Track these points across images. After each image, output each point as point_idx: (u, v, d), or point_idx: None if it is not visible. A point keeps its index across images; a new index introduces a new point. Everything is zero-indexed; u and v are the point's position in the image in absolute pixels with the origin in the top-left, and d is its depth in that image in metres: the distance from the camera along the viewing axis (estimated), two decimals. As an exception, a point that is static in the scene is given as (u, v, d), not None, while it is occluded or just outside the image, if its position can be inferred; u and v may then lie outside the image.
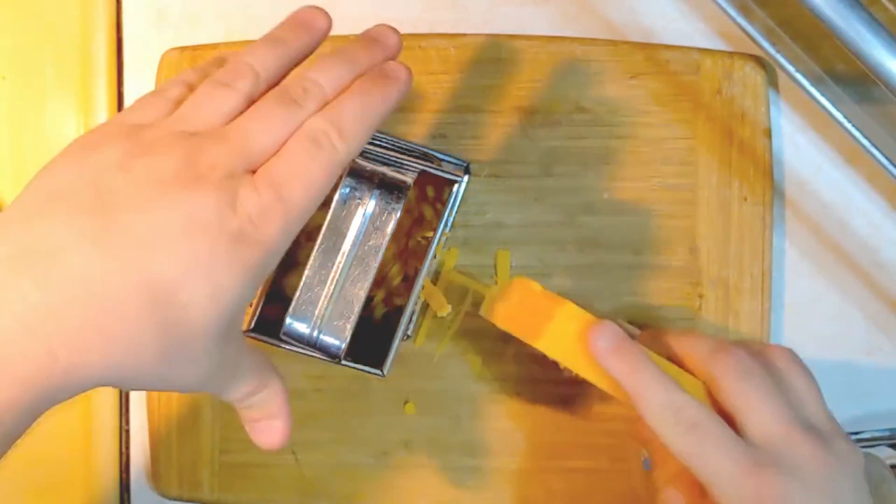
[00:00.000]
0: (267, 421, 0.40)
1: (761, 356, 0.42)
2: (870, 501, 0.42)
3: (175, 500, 0.52)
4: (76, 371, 0.32)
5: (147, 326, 0.32)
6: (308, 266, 0.36)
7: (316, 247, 0.36)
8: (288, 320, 0.36)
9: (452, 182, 0.42)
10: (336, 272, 0.36)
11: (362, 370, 0.41)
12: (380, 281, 0.44)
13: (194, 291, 0.33)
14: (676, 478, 0.42)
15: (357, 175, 0.37)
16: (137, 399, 0.54)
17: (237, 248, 0.33)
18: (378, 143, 0.42)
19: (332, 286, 0.37)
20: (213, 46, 0.51)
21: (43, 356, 0.31)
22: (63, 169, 0.34)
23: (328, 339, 0.37)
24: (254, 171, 0.34)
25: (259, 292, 0.44)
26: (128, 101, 0.54)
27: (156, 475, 0.52)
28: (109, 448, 0.54)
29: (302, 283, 0.36)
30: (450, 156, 0.46)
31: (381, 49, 0.39)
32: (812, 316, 0.53)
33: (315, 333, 0.37)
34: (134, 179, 0.33)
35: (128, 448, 0.54)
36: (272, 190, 0.34)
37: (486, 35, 0.51)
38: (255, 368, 0.38)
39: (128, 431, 0.54)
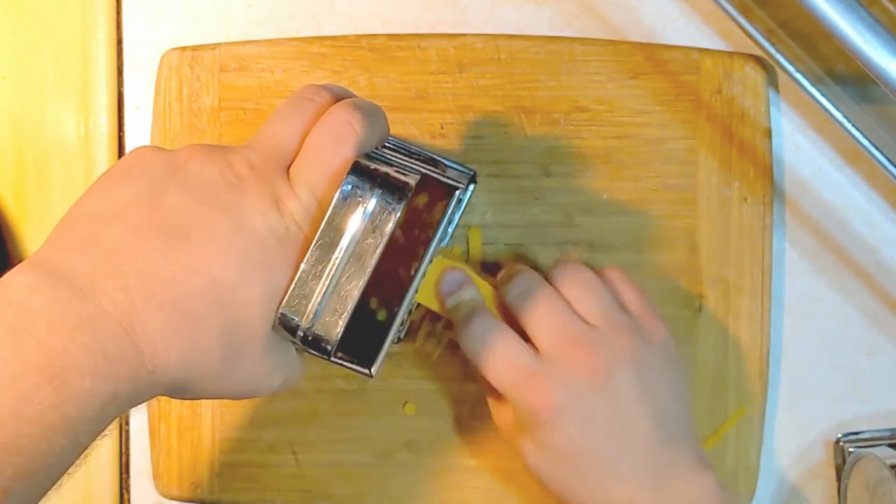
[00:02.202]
0: None
1: (554, 273, 0.46)
2: (680, 373, 0.45)
3: (175, 500, 0.52)
4: (157, 371, 0.33)
5: (213, 327, 0.34)
6: (304, 260, 0.36)
7: (314, 242, 0.36)
8: (280, 313, 0.36)
9: (454, 188, 0.42)
10: (332, 268, 0.36)
11: (352, 369, 0.41)
12: (378, 282, 0.44)
13: (251, 292, 0.35)
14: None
15: (360, 173, 0.37)
16: (137, 399, 0.54)
17: (284, 247, 0.36)
18: (385, 144, 0.42)
19: (327, 282, 0.36)
20: (213, 46, 0.51)
21: (134, 356, 0.32)
22: (116, 182, 0.36)
23: (320, 335, 0.37)
24: (287, 167, 0.37)
25: None
26: (128, 101, 0.54)
27: (156, 475, 0.52)
28: (109, 448, 0.54)
29: (297, 277, 0.36)
30: (457, 164, 0.46)
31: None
32: (812, 316, 0.53)
33: (307, 328, 0.37)
34: (183, 186, 0.35)
35: (128, 448, 0.54)
36: (308, 190, 0.36)
37: (486, 35, 0.51)
38: (300, 373, 0.41)
39: (128, 431, 0.54)
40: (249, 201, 0.35)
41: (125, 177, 0.36)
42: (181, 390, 0.35)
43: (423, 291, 0.45)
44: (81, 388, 0.31)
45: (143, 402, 0.34)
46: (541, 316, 0.43)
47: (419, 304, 0.46)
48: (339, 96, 0.40)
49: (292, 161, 0.37)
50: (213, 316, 0.34)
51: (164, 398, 0.52)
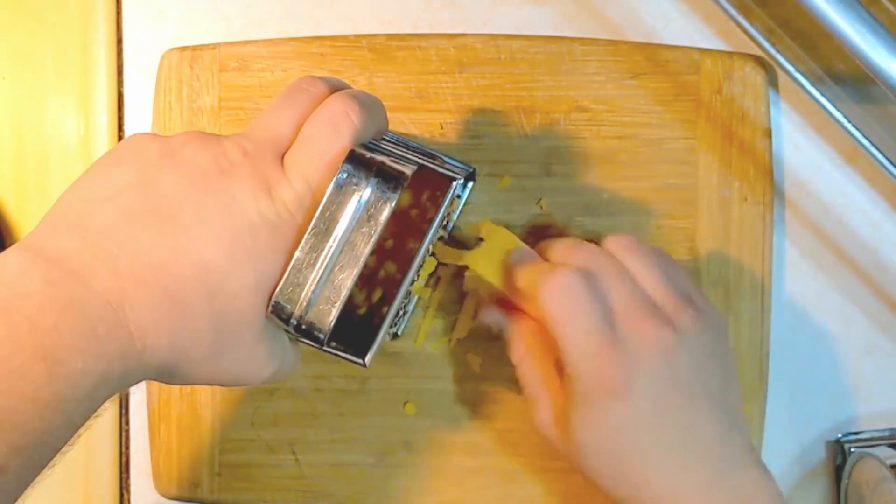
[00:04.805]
0: None
1: (613, 245, 0.43)
2: (733, 359, 0.44)
3: (175, 500, 0.52)
4: (147, 353, 0.34)
5: (203, 312, 0.34)
6: (299, 248, 0.36)
7: (308, 229, 0.36)
8: (274, 301, 0.36)
9: (451, 179, 0.42)
10: (326, 256, 0.36)
11: (346, 359, 0.41)
12: (372, 271, 0.44)
13: (241, 279, 0.35)
14: (531, 352, 0.44)
15: (355, 162, 0.37)
16: (137, 399, 0.54)
17: (275, 235, 0.35)
18: (384, 138, 0.42)
19: (321, 270, 0.36)
20: (213, 46, 0.51)
21: (125, 337, 0.33)
22: (111, 167, 0.36)
23: (313, 323, 0.37)
24: (281, 156, 0.37)
25: None
26: (128, 101, 0.54)
27: (156, 475, 0.52)
28: (109, 448, 0.54)
29: (291, 265, 0.36)
30: (456, 160, 0.46)
31: None
32: (812, 316, 0.53)
33: (301, 316, 0.37)
34: (176, 171, 0.35)
35: (128, 448, 0.54)
36: (303, 179, 0.36)
37: (486, 35, 0.51)
38: (295, 363, 0.40)
39: (128, 431, 0.54)
40: (241, 187, 0.35)
41: (119, 162, 0.36)
42: (171, 374, 0.35)
43: (486, 264, 0.44)
44: (73, 367, 0.31)
45: (134, 383, 0.34)
46: (612, 282, 0.40)
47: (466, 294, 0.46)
48: (335, 87, 0.40)
49: (287, 150, 0.37)
50: (203, 301, 0.34)
51: (163, 399, 0.52)
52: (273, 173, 0.36)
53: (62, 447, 0.33)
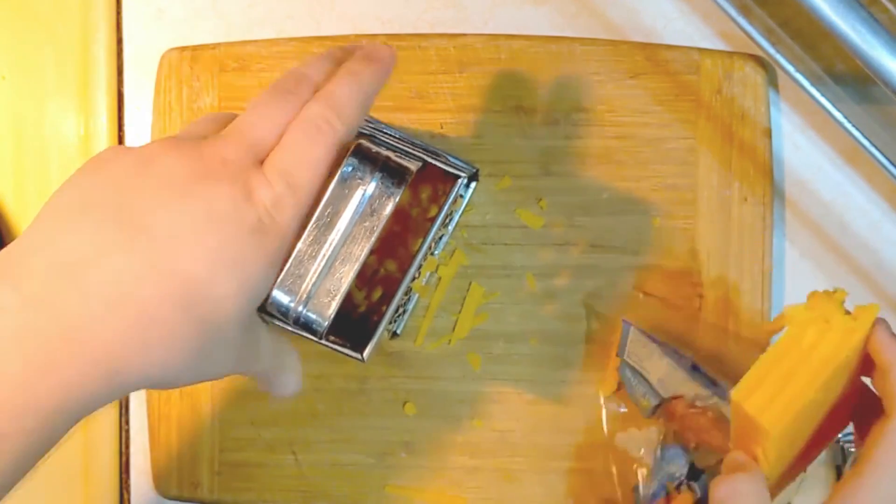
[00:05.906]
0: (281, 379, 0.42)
1: None
2: None
3: (175, 500, 0.52)
4: (116, 377, 0.32)
5: (182, 325, 0.33)
6: (301, 240, 0.36)
7: (311, 222, 0.36)
8: (274, 292, 0.36)
9: (456, 177, 0.42)
10: (328, 249, 0.36)
11: (343, 352, 0.40)
12: (373, 266, 0.43)
13: (225, 286, 0.34)
14: None
15: (361, 156, 0.36)
16: (137, 399, 0.54)
17: (258, 238, 0.34)
18: (391, 134, 0.42)
19: (323, 262, 0.36)
20: (213, 46, 0.51)
21: (85, 363, 0.32)
22: (83, 182, 0.35)
23: (311, 316, 0.37)
24: (261, 162, 0.36)
25: None
26: (128, 101, 0.54)
27: (156, 475, 0.52)
28: (109, 448, 0.54)
29: (293, 257, 0.36)
30: (460, 160, 0.46)
31: (367, 55, 0.40)
32: (812, 316, 0.52)
33: (299, 308, 0.36)
34: (151, 181, 0.34)
35: (128, 448, 0.54)
36: (282, 179, 0.35)
37: (486, 35, 0.51)
38: (273, 349, 0.40)
39: (128, 431, 0.54)
40: (219, 192, 0.34)
41: (94, 174, 0.35)
42: (155, 384, 0.34)
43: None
44: (24, 399, 0.30)
45: (108, 403, 0.33)
46: None
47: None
48: (322, 82, 0.38)
49: (268, 151, 0.36)
50: (182, 314, 0.33)
51: (163, 399, 0.52)
52: (253, 176, 0.35)
53: (24, 475, 0.32)
